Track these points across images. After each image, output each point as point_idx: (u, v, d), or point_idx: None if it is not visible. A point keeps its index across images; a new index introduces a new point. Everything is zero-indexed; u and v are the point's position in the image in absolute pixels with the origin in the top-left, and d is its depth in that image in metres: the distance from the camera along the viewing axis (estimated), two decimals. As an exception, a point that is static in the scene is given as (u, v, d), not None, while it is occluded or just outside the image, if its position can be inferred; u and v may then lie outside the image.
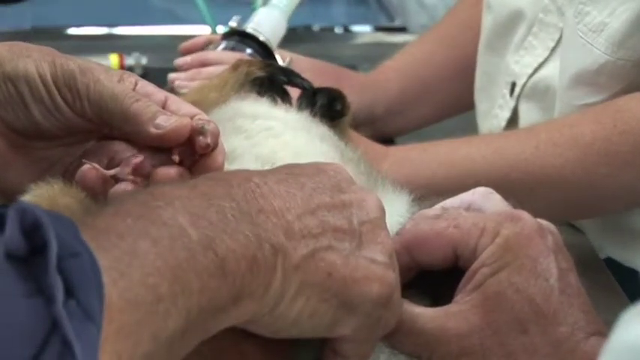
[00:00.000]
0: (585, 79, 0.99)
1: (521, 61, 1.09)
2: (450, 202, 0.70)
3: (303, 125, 0.82)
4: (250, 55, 1.15)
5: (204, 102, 0.84)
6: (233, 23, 1.23)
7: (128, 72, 0.68)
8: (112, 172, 0.64)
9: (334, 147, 0.81)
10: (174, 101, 0.67)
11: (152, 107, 0.65)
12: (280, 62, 1.15)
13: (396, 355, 0.66)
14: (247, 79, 0.90)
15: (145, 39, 1.57)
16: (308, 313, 0.57)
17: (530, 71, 1.08)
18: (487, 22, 1.16)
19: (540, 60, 1.07)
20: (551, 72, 1.06)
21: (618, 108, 0.96)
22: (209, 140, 0.64)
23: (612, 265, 1.06)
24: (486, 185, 0.71)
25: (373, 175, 0.81)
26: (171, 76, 1.14)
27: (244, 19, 1.22)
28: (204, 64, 1.13)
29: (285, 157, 0.76)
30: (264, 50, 1.16)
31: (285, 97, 0.89)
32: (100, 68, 0.66)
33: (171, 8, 1.74)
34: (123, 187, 0.63)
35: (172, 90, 1.09)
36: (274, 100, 0.86)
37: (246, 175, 0.58)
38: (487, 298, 0.63)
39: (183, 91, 1.02)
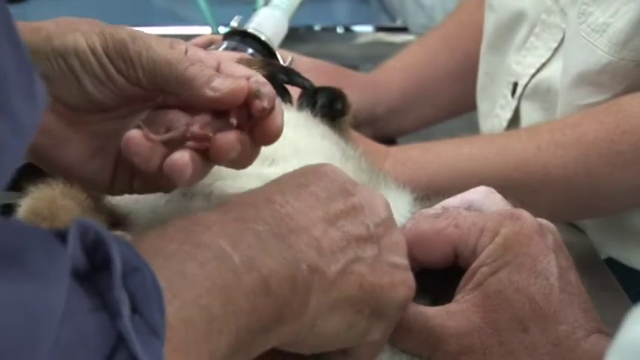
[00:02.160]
0: (588, 79, 0.99)
1: (523, 62, 1.09)
2: (450, 201, 0.70)
3: (304, 123, 0.82)
4: (252, 54, 1.14)
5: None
6: (234, 23, 1.22)
7: (177, 39, 0.67)
8: (166, 136, 0.62)
9: (335, 145, 0.81)
10: (227, 65, 0.66)
11: (207, 71, 0.63)
12: (281, 62, 1.15)
13: (397, 353, 0.66)
14: (248, 79, 0.89)
15: (146, 39, 1.57)
16: (345, 327, 0.58)
17: (532, 72, 1.08)
18: (489, 22, 1.16)
19: (542, 60, 1.07)
20: (554, 72, 1.06)
21: (620, 108, 0.96)
22: (265, 104, 0.62)
23: (613, 264, 1.06)
24: (488, 185, 0.71)
25: (375, 173, 0.80)
26: (173, 76, 1.13)
27: (245, 19, 1.22)
28: (205, 64, 1.13)
29: (285, 155, 0.76)
30: (265, 50, 1.16)
31: (286, 97, 0.89)
32: (150, 36, 0.65)
33: (172, 8, 1.73)
34: (179, 155, 0.61)
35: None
36: (275, 99, 0.85)
37: (266, 194, 0.58)
38: (487, 297, 0.63)
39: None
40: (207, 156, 0.63)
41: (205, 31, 1.52)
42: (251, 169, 0.69)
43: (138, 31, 0.65)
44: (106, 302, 0.45)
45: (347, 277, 0.57)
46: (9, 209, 0.70)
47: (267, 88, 0.63)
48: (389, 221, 0.62)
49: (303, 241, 0.56)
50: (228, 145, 0.62)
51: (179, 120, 0.64)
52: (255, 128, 0.64)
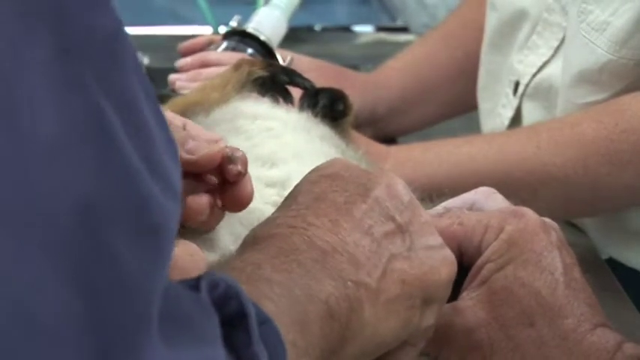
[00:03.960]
0: (588, 78, 0.99)
1: (525, 61, 1.09)
2: (452, 202, 0.70)
3: (304, 126, 0.82)
4: (251, 55, 1.14)
5: (206, 101, 0.84)
6: (234, 23, 1.22)
7: None
8: None
9: (335, 147, 0.81)
10: (192, 127, 0.66)
11: (180, 132, 0.64)
12: (281, 62, 1.15)
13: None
14: (249, 79, 0.89)
15: (146, 39, 1.57)
16: (401, 325, 0.58)
17: (534, 70, 1.08)
18: (491, 21, 1.16)
19: (544, 59, 1.07)
20: (555, 71, 1.06)
21: (619, 107, 0.96)
22: (240, 168, 0.64)
23: (614, 265, 1.06)
24: (488, 184, 0.71)
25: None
26: (172, 76, 1.13)
27: (245, 18, 1.22)
28: (204, 65, 1.13)
29: (285, 157, 0.76)
30: (264, 50, 1.16)
31: (287, 97, 0.89)
32: None
33: (172, 8, 1.73)
34: None
35: (173, 91, 1.09)
36: (276, 100, 0.86)
37: (285, 221, 0.57)
38: (494, 293, 0.64)
39: (185, 91, 1.02)
40: None
41: (205, 31, 1.53)
42: (251, 172, 0.69)
43: None
44: (241, 358, 0.45)
45: (388, 278, 0.57)
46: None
47: (240, 153, 0.64)
48: (412, 202, 0.60)
49: (338, 259, 0.55)
50: (199, 208, 0.63)
51: None
52: (226, 193, 0.65)
